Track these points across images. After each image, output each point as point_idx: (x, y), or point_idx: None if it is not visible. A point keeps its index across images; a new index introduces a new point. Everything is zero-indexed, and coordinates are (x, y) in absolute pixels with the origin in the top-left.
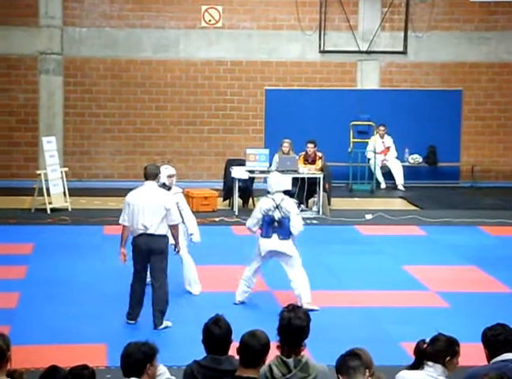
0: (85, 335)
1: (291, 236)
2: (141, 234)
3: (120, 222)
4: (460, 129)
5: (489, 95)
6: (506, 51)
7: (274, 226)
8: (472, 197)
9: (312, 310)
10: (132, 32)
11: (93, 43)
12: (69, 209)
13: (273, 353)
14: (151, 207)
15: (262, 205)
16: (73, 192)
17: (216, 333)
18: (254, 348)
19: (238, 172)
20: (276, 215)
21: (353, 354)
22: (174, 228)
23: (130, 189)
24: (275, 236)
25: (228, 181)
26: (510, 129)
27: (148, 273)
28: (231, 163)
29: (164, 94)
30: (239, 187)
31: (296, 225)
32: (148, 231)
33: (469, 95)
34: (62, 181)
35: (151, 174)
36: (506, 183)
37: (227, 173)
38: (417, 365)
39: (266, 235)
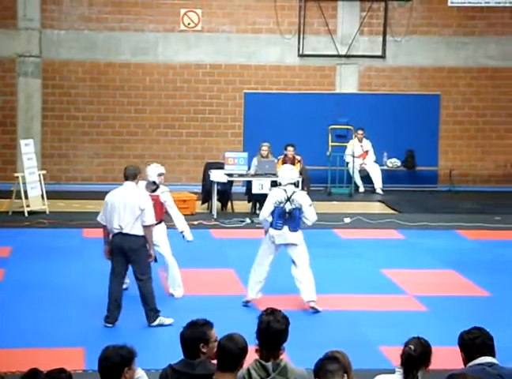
0: (63, 338)
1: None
2: (116, 234)
3: (98, 220)
4: (438, 133)
5: (467, 100)
6: (484, 56)
7: (285, 217)
8: (450, 200)
9: (316, 311)
10: (111, 35)
11: (72, 45)
12: (47, 212)
13: (252, 357)
14: (126, 206)
15: (274, 196)
16: (51, 195)
17: (187, 338)
18: (232, 352)
19: (216, 175)
20: (288, 207)
21: (331, 358)
22: (147, 230)
23: (108, 193)
24: (286, 228)
25: (207, 184)
26: (488, 134)
27: (127, 275)
28: (210, 166)
29: (143, 97)
30: (218, 190)
31: (310, 217)
32: (124, 231)
33: (447, 99)
34: (40, 184)
35: (130, 175)
36: (484, 187)
37: (205, 176)
38: (410, 372)
39: (277, 227)
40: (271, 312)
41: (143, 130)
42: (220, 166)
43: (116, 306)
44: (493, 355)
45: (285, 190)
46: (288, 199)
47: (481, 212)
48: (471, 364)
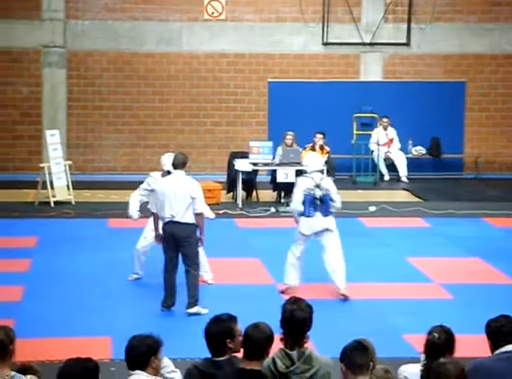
0: (90, 328)
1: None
2: (168, 222)
3: (148, 207)
4: (463, 120)
5: (492, 87)
6: (509, 43)
7: (316, 204)
8: (476, 188)
9: (346, 299)
10: (135, 25)
11: (96, 35)
12: (73, 202)
13: (277, 345)
14: (177, 195)
15: (303, 185)
16: (77, 185)
17: (212, 333)
18: (258, 340)
19: (241, 165)
20: (318, 193)
21: (361, 349)
22: (199, 217)
23: (134, 182)
24: (318, 214)
25: (232, 173)
26: None
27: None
28: (235, 155)
29: (167, 87)
30: (243, 180)
31: (337, 202)
32: (175, 219)
33: (473, 86)
34: (66, 174)
35: (179, 163)
36: (510, 175)
37: (230, 165)
38: (433, 360)
39: (309, 214)
40: (294, 301)
41: (168, 120)
42: (244, 155)
43: (172, 292)
44: None
45: (312, 178)
46: (318, 185)
47: (507, 200)
48: (497, 352)
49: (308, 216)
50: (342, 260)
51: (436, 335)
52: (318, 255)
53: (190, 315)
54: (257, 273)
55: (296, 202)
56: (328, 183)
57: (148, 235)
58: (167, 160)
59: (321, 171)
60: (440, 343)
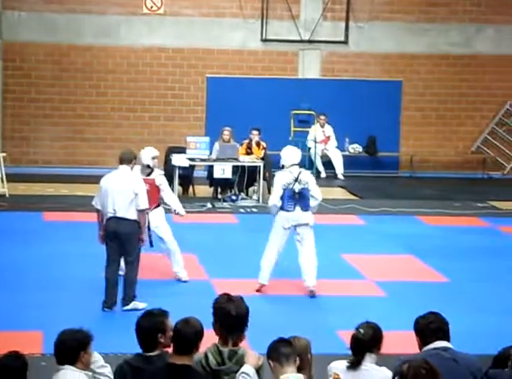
0: (21, 322)
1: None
2: (110, 218)
3: (93, 204)
4: (399, 119)
5: (428, 87)
6: (445, 43)
7: (295, 198)
8: (411, 186)
9: (313, 296)
10: (73, 17)
11: (33, 27)
12: (7, 195)
13: (210, 341)
14: (120, 190)
15: (281, 180)
16: (12, 178)
17: (144, 327)
18: (188, 335)
19: (178, 160)
20: (297, 187)
21: (284, 341)
22: (141, 214)
23: (70, 176)
24: (298, 208)
25: (169, 168)
26: (449, 120)
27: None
28: (172, 150)
29: (105, 80)
30: (180, 175)
31: (317, 195)
32: (117, 214)
33: (409, 85)
34: (0, 166)
35: (125, 159)
36: (444, 173)
37: (167, 160)
38: (359, 357)
39: (288, 209)
40: (229, 298)
41: (105, 114)
42: (181, 150)
43: (112, 290)
44: (448, 340)
45: (291, 172)
46: (296, 179)
47: (441, 198)
48: (426, 348)
49: (287, 211)
50: (315, 258)
51: (362, 331)
52: (252, 254)
53: (126, 311)
54: (193, 269)
55: (275, 197)
56: (307, 176)
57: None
58: (146, 154)
59: (299, 165)
60: (365, 339)
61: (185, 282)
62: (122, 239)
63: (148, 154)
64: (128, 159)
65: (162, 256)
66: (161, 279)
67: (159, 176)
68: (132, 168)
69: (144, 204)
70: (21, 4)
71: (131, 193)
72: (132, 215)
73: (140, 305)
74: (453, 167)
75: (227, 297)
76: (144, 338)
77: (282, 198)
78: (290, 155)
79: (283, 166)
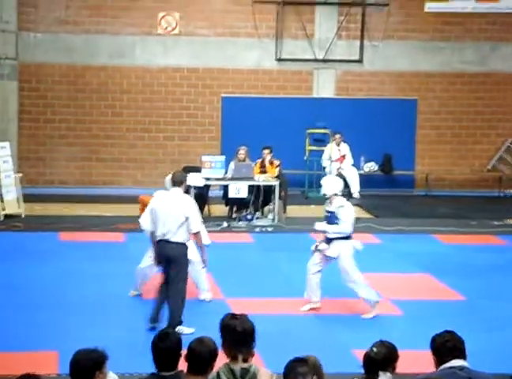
0: (37, 342)
1: None
2: (159, 241)
3: (143, 227)
4: (415, 137)
5: (443, 105)
6: (460, 61)
7: None
8: (427, 205)
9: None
10: (88, 38)
11: (48, 48)
12: (23, 216)
13: (223, 360)
14: (170, 213)
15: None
16: (28, 198)
17: (161, 348)
18: (202, 355)
19: (193, 179)
20: None
21: (301, 360)
22: (195, 237)
23: (85, 196)
24: None
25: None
26: (464, 139)
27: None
28: (187, 170)
29: (120, 100)
30: (195, 194)
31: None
32: (166, 237)
33: (424, 104)
34: (16, 187)
35: (177, 181)
36: (460, 192)
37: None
38: (371, 376)
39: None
40: (235, 316)
41: (120, 134)
42: (197, 169)
43: (157, 307)
44: (464, 358)
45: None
46: None
47: (457, 217)
48: (442, 367)
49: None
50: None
51: (375, 349)
52: (268, 272)
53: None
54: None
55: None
56: None
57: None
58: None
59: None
60: (377, 358)
61: (209, 302)
62: (170, 262)
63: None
64: (179, 181)
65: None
66: None
67: None
68: (184, 190)
69: (196, 227)
70: (37, 25)
71: (182, 216)
72: (180, 238)
73: (186, 330)
74: (468, 186)
75: (231, 315)
76: (160, 358)
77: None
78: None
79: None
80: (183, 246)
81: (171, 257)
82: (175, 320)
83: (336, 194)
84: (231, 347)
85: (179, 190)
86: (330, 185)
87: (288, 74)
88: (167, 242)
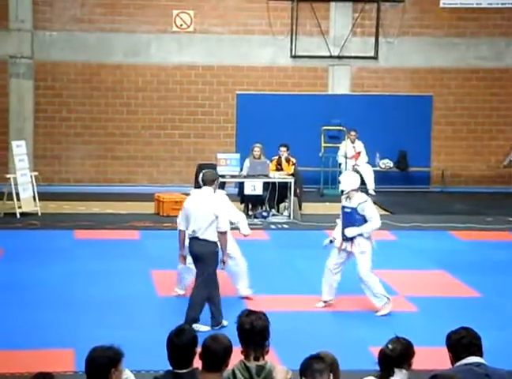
0: (54, 340)
1: None
2: (190, 239)
3: (177, 224)
4: (430, 134)
5: (459, 101)
6: (475, 57)
7: None
8: (442, 201)
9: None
10: (103, 36)
11: (64, 46)
12: (39, 214)
13: (237, 357)
14: (200, 212)
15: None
16: (44, 196)
17: (177, 344)
18: (216, 352)
19: None
20: None
21: (317, 357)
22: (222, 236)
23: (101, 194)
24: None
25: (199, 185)
26: (480, 135)
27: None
28: (202, 167)
29: (135, 98)
30: None
31: None
32: (196, 235)
33: (439, 100)
34: (32, 185)
35: (208, 180)
36: (476, 188)
37: (198, 177)
38: (386, 372)
39: None
40: (250, 312)
41: (135, 132)
42: (212, 167)
43: (197, 310)
44: (481, 355)
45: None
46: None
47: (473, 213)
48: (458, 364)
49: None
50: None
51: (390, 346)
52: (284, 269)
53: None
54: (223, 285)
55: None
56: None
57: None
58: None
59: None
60: (392, 355)
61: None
62: (199, 259)
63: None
64: (211, 180)
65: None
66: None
67: (222, 197)
68: (215, 189)
69: (225, 226)
70: (52, 24)
71: (211, 214)
72: (211, 236)
73: (202, 328)
74: (484, 182)
75: (247, 311)
76: (176, 355)
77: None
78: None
79: (367, 192)
80: (213, 244)
81: (198, 255)
82: (190, 317)
83: (355, 190)
84: (244, 344)
85: (210, 189)
86: (349, 180)
87: (303, 71)
88: (197, 239)
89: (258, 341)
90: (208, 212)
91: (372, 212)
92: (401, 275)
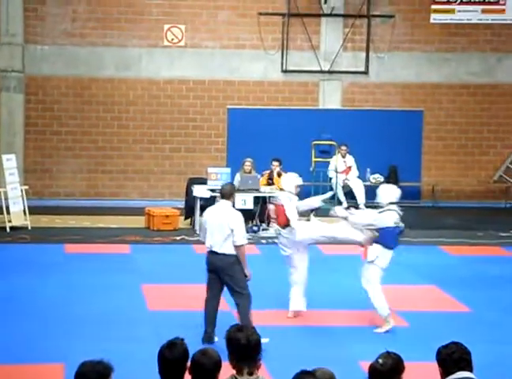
0: (43, 354)
1: None
2: (208, 252)
3: (200, 238)
4: (421, 149)
5: (450, 116)
6: (466, 72)
7: (398, 238)
8: (433, 216)
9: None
10: (94, 51)
11: (55, 60)
12: (29, 228)
13: (229, 372)
14: (217, 225)
15: (393, 218)
16: (34, 210)
17: (168, 358)
18: (206, 366)
19: (199, 191)
20: (401, 226)
21: (308, 373)
22: (239, 250)
23: (92, 208)
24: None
25: (190, 199)
26: (471, 150)
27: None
28: (193, 181)
29: (126, 112)
30: (201, 206)
31: None
32: (213, 249)
33: (430, 115)
34: (22, 199)
35: (225, 193)
36: (467, 203)
37: (188, 191)
38: None
39: (394, 247)
40: (241, 327)
41: (126, 146)
42: (203, 181)
43: (210, 323)
44: (470, 370)
45: (397, 211)
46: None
47: (463, 228)
48: None
49: (392, 249)
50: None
51: (380, 361)
52: (275, 283)
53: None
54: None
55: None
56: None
57: None
58: (292, 181)
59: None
60: (383, 370)
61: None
62: (221, 274)
63: (294, 181)
64: (228, 193)
65: None
66: (183, 311)
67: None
68: (233, 203)
69: (240, 240)
70: (43, 38)
71: (227, 228)
72: (227, 249)
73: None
74: (475, 197)
75: (236, 327)
76: (167, 369)
77: (388, 236)
78: (394, 193)
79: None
80: (231, 257)
81: (219, 268)
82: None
83: (391, 203)
84: (236, 359)
85: (228, 203)
86: (386, 193)
87: (294, 86)
88: (215, 253)
89: (253, 356)
90: (223, 225)
91: (380, 219)
92: (392, 290)
